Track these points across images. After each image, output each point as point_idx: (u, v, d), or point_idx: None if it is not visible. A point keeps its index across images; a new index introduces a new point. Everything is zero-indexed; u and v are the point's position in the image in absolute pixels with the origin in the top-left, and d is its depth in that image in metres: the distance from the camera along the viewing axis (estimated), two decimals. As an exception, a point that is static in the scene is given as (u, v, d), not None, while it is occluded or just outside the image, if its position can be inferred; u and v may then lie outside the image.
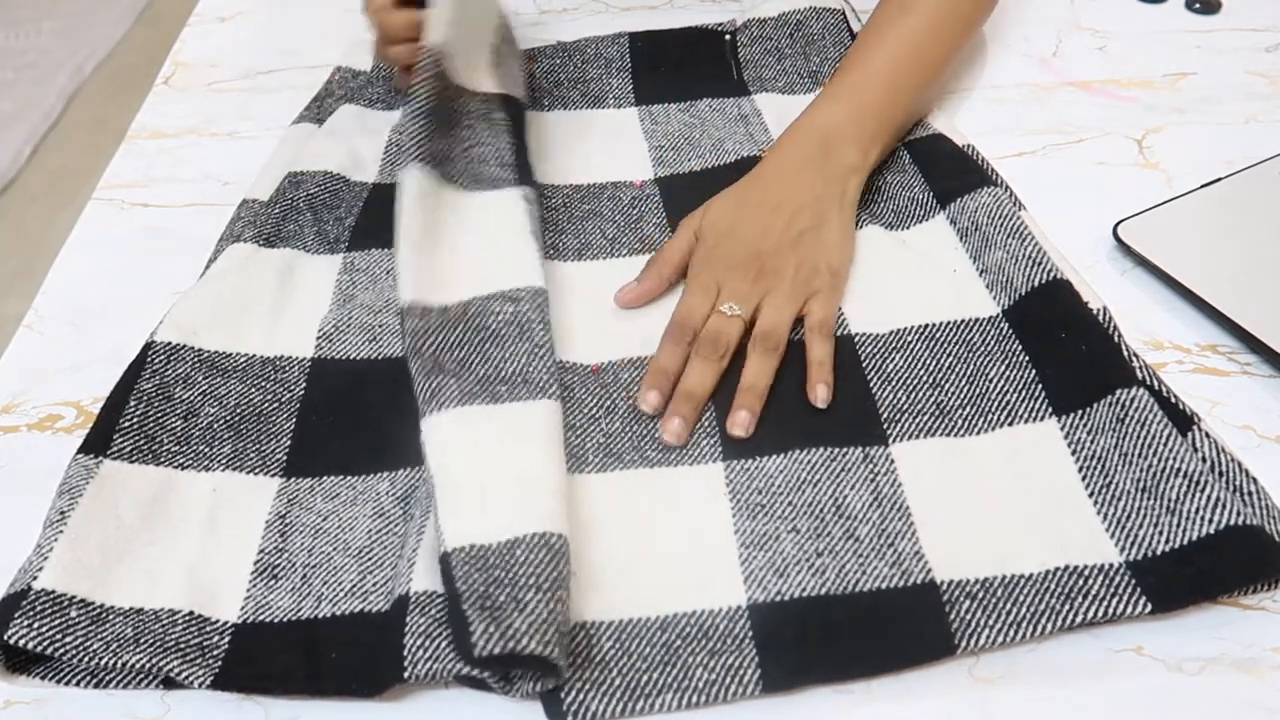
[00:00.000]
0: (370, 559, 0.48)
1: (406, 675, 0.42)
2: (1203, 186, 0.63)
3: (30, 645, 0.43)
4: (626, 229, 0.64)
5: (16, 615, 0.43)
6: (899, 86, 0.65)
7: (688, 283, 0.59)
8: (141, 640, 0.44)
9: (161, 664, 0.43)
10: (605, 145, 0.71)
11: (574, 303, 0.60)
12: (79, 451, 0.50)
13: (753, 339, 0.55)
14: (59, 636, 0.43)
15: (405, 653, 0.42)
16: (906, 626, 0.44)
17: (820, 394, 0.52)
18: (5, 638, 0.43)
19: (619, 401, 0.54)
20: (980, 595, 0.45)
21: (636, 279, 0.59)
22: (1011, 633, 0.43)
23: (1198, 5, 0.80)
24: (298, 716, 0.44)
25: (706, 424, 0.52)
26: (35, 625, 0.43)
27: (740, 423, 0.51)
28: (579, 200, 0.67)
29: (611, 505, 0.49)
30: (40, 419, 0.57)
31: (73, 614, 0.44)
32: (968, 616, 0.44)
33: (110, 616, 0.45)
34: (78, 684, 0.45)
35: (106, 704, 0.45)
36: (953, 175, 0.64)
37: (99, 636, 0.44)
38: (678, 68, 0.77)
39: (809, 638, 0.44)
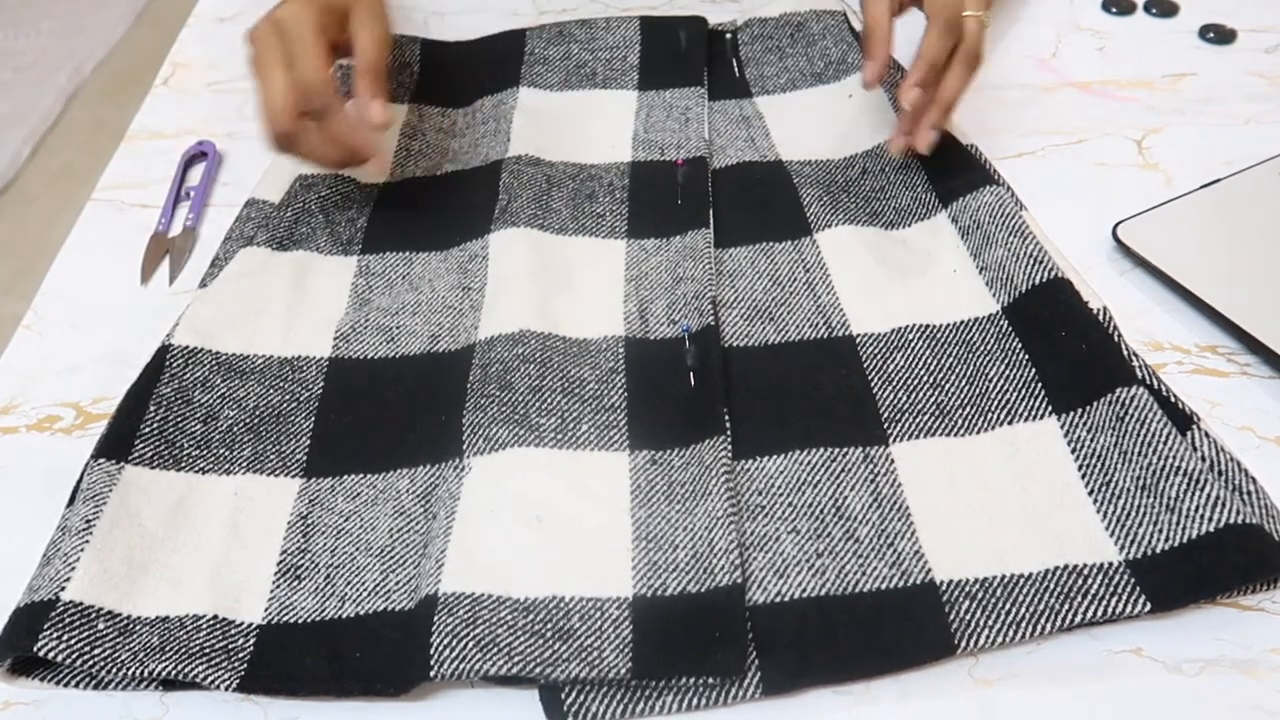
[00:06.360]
0: (392, 558, 0.48)
1: (433, 674, 0.42)
2: (1202, 187, 0.63)
3: (59, 658, 0.43)
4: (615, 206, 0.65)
5: (45, 626, 0.43)
6: None
7: None
8: (168, 648, 0.44)
9: (187, 670, 0.43)
10: (598, 128, 0.71)
11: (577, 274, 0.60)
12: (99, 456, 0.50)
13: (963, 52, 0.61)
14: (87, 649, 0.43)
15: (432, 652, 0.43)
16: (906, 627, 0.44)
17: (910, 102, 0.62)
18: (35, 650, 0.43)
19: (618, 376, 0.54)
20: (980, 595, 0.45)
21: (870, 58, 0.62)
22: (1011, 633, 0.43)
23: (1113, 9, 0.81)
24: (297, 717, 0.44)
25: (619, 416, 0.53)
26: (64, 637, 0.43)
27: (928, 143, 0.62)
28: (568, 178, 0.67)
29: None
30: (39, 420, 0.57)
31: (100, 626, 0.44)
32: (967, 617, 0.44)
33: (137, 627, 0.45)
34: (76, 685, 0.45)
35: (105, 705, 0.45)
36: (955, 174, 0.64)
37: (127, 647, 0.44)
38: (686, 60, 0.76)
39: (808, 639, 0.44)
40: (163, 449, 0.52)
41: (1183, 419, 0.49)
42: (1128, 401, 0.49)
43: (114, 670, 0.43)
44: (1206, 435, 0.49)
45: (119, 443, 0.51)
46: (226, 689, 0.43)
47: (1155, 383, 0.51)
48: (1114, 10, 0.81)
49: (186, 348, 0.56)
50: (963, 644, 0.43)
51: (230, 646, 0.45)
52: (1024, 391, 0.52)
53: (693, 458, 0.50)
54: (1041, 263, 0.56)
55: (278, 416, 0.54)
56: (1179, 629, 0.45)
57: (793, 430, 0.51)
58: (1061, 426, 0.50)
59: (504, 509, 0.48)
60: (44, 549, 0.48)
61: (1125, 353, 0.52)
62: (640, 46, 0.76)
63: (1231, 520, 0.44)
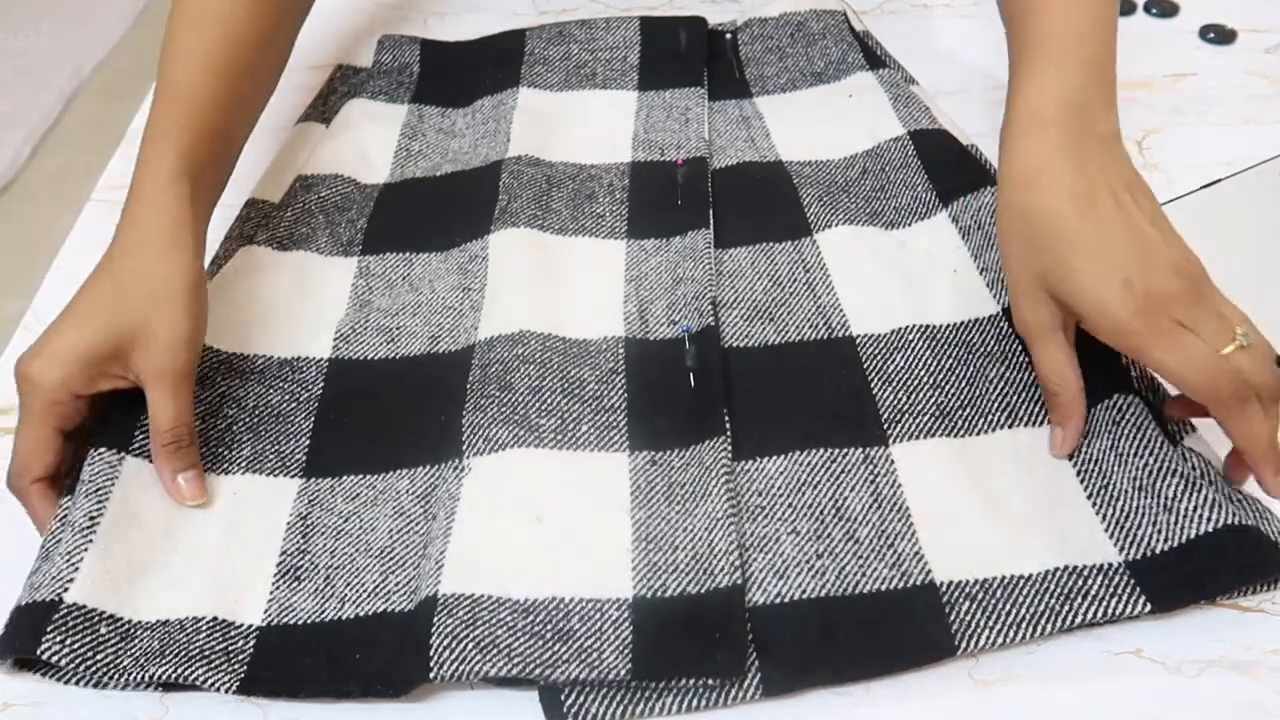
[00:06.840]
0: (392, 559, 0.48)
1: (432, 676, 0.42)
2: (1202, 187, 0.63)
3: (62, 662, 0.43)
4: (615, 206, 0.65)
5: (49, 629, 0.43)
6: (1107, 29, 0.58)
7: (1146, 344, 0.45)
8: (167, 652, 0.44)
9: (187, 673, 0.43)
10: (598, 129, 0.71)
11: (580, 276, 0.60)
12: (100, 445, 0.50)
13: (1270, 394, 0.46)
14: (90, 654, 0.44)
15: (432, 654, 0.43)
16: (906, 628, 0.44)
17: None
18: (39, 653, 0.43)
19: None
20: (980, 596, 0.45)
21: (1060, 425, 0.49)
22: (1011, 633, 0.43)
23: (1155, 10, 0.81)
24: (298, 717, 0.44)
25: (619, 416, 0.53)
26: (68, 641, 0.43)
27: None
28: (568, 178, 0.67)
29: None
30: (39, 420, 0.56)
31: (103, 630, 0.44)
32: (967, 618, 0.44)
33: (138, 632, 0.45)
34: (76, 683, 0.45)
35: (105, 705, 0.45)
36: (956, 174, 0.64)
37: (128, 653, 0.44)
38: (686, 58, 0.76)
39: (808, 640, 0.44)
40: None
41: (1173, 435, 0.49)
42: (1125, 407, 0.49)
43: (117, 675, 0.44)
44: (1192, 451, 0.48)
45: (120, 432, 0.51)
46: (226, 691, 0.43)
47: (1150, 394, 0.51)
48: (1114, 10, 0.81)
49: None
50: (963, 645, 0.43)
51: (230, 648, 0.45)
52: (1024, 394, 0.52)
53: (692, 458, 0.50)
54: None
55: (277, 416, 0.54)
56: (1179, 630, 0.45)
57: (793, 431, 0.51)
58: (1061, 428, 0.50)
59: (504, 510, 0.48)
60: (43, 540, 0.48)
61: (1124, 360, 0.52)
62: (640, 47, 0.76)
63: (1229, 521, 0.44)
